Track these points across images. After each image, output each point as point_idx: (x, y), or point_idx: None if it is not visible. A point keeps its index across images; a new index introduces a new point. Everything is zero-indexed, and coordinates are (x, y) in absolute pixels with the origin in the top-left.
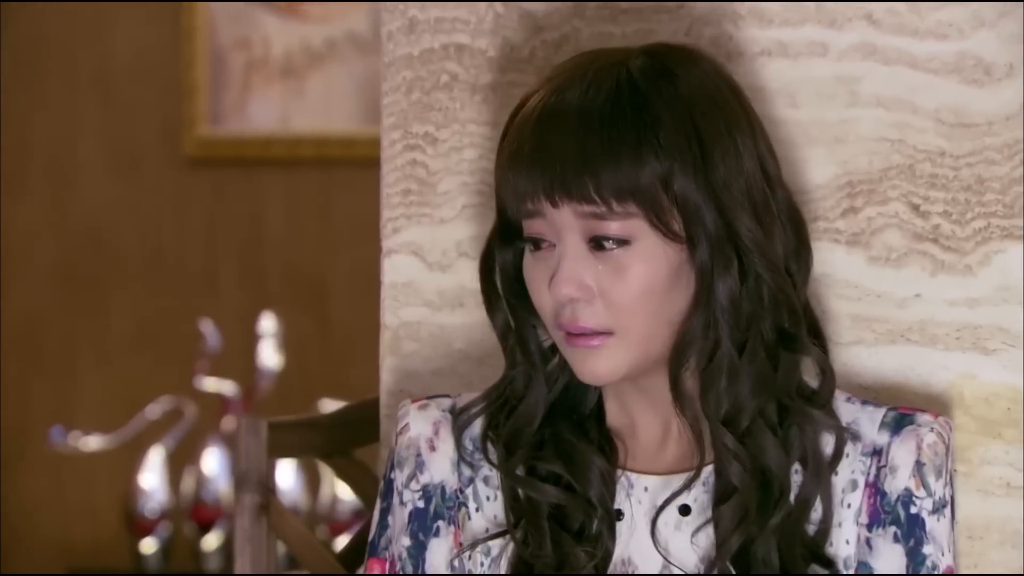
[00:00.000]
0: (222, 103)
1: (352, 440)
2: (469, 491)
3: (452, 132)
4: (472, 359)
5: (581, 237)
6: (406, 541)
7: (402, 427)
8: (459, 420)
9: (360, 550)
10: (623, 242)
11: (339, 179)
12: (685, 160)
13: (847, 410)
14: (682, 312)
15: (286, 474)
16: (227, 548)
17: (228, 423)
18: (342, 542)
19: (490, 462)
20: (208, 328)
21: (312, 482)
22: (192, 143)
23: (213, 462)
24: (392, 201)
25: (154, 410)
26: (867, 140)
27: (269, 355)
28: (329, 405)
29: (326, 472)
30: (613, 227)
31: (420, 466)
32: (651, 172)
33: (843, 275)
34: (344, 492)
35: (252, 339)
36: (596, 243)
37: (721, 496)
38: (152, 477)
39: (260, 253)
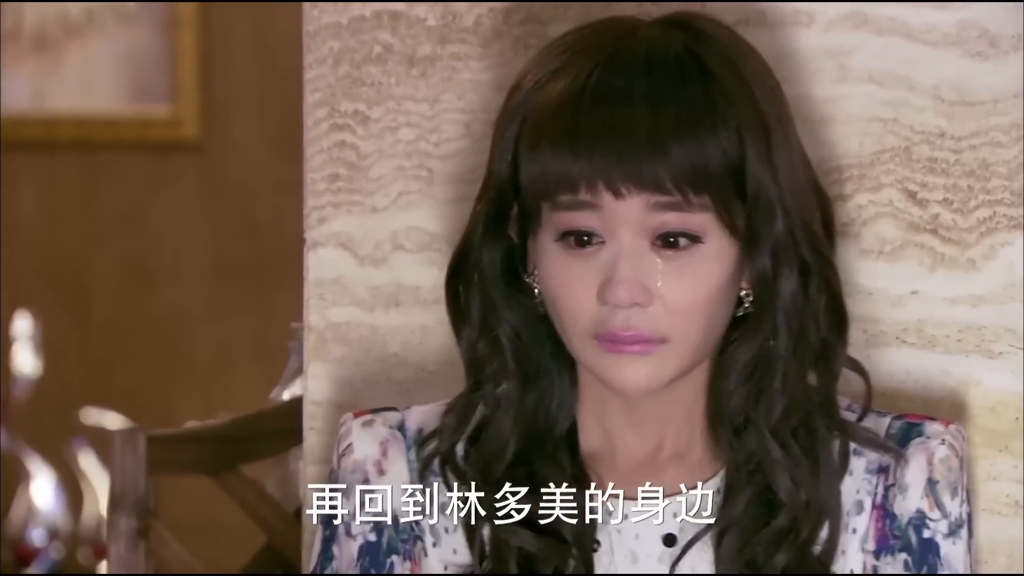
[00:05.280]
0: None
1: (242, 455)
2: (425, 522)
3: (386, 110)
4: (409, 364)
5: (642, 233)
6: None
7: (345, 448)
8: (424, 453)
9: None
10: (695, 239)
11: (102, 163)
12: (758, 145)
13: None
14: (727, 317)
15: (44, 492)
16: None
17: None
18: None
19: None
20: None
21: (75, 501)
22: None
23: None
24: (317, 187)
25: None
26: (858, 120)
27: (24, 359)
28: (93, 414)
29: (90, 490)
30: (687, 221)
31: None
32: (725, 157)
33: None
34: None
35: (4, 342)
36: (664, 240)
37: (727, 517)
38: None
39: (12, 246)
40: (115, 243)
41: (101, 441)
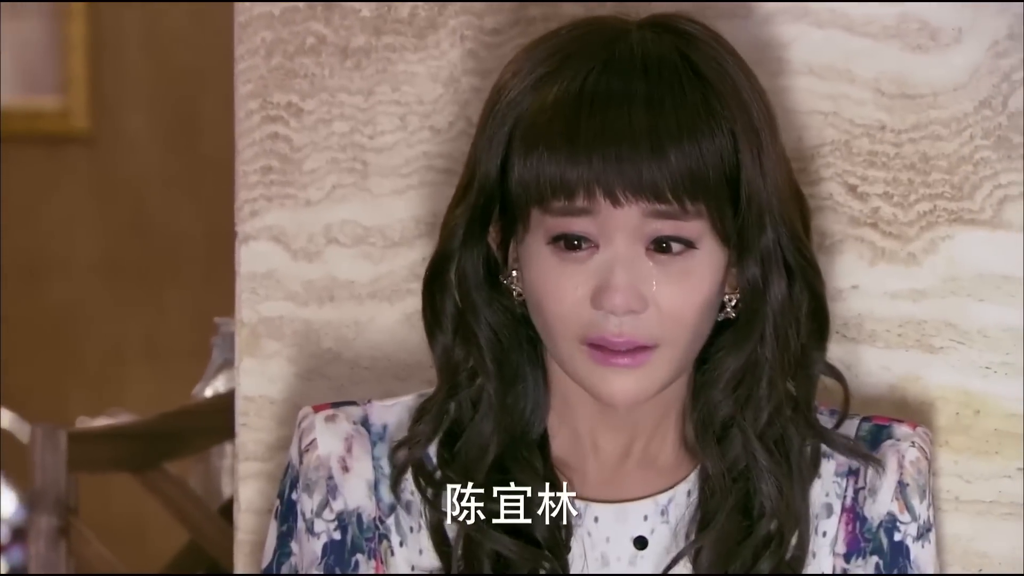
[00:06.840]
0: None
1: (165, 452)
2: (391, 521)
3: (319, 102)
4: (343, 360)
5: (638, 239)
6: None
7: (308, 444)
8: (396, 458)
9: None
10: (689, 245)
11: None
12: (751, 150)
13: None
14: (713, 322)
15: None
16: None
17: None
18: None
19: (429, 502)
20: None
21: None
22: None
23: None
24: (249, 180)
25: None
26: (797, 113)
27: None
28: None
29: None
30: (682, 228)
31: (333, 491)
32: (722, 163)
33: None
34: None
35: None
36: (658, 246)
37: (703, 522)
38: None
39: None
40: (4, 237)
41: None
